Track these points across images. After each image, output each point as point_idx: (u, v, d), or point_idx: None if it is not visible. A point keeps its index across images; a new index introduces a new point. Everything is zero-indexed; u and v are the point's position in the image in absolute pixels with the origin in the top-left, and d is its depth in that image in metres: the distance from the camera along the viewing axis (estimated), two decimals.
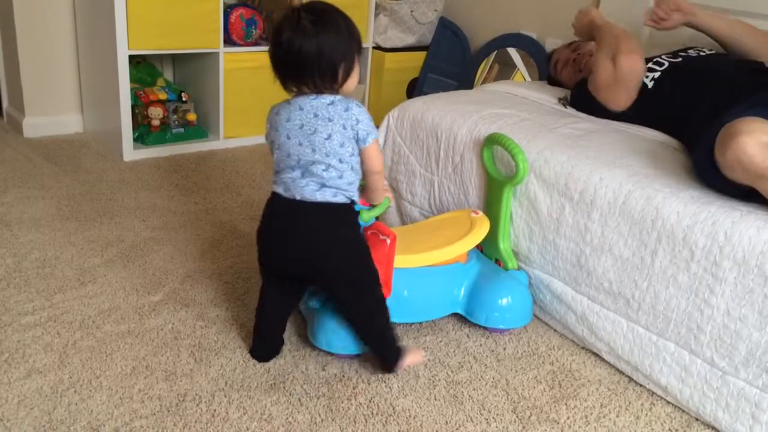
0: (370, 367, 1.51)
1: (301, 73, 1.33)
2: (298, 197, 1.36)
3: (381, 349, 1.47)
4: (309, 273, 1.43)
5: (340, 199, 1.38)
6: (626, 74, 1.81)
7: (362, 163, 1.42)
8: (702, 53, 1.93)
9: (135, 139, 2.73)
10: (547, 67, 2.39)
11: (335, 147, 1.35)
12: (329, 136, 1.34)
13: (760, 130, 1.29)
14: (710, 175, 1.42)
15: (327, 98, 1.35)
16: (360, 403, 1.40)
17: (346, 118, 1.35)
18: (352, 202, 1.41)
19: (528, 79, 2.95)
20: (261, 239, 1.45)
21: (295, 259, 1.40)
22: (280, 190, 1.40)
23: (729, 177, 1.35)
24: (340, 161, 1.36)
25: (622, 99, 1.87)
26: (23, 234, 1.98)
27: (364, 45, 3.24)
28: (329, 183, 1.36)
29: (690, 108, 1.73)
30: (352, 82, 1.38)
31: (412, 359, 1.49)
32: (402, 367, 1.47)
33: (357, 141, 1.37)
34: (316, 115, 1.34)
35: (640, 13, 2.41)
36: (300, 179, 1.36)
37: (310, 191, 1.36)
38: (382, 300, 1.44)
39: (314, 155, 1.35)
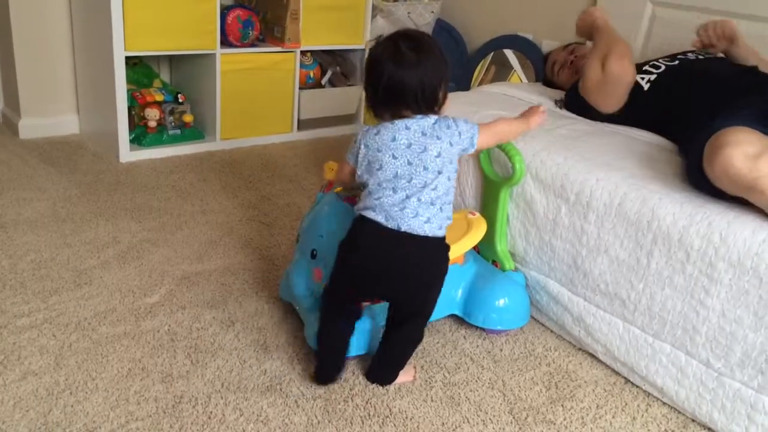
0: (364, 374, 1.50)
1: (403, 101, 1.35)
2: (403, 228, 1.32)
3: (396, 367, 1.47)
4: (394, 297, 1.42)
5: (442, 232, 1.37)
6: (614, 78, 1.82)
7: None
8: (699, 56, 1.93)
9: (131, 141, 2.73)
10: (543, 69, 2.40)
11: (446, 164, 1.36)
12: (439, 154, 1.35)
13: (746, 141, 1.29)
14: (702, 184, 1.41)
15: (431, 118, 1.37)
16: (357, 405, 1.40)
17: (450, 135, 1.37)
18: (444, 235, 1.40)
19: (524, 80, 2.96)
20: (354, 266, 1.39)
21: (388, 288, 1.39)
22: (379, 218, 1.33)
23: (719, 187, 1.35)
24: (449, 179, 1.37)
25: (609, 102, 1.88)
26: (19, 236, 1.98)
27: (360, 46, 3.25)
28: (436, 208, 1.35)
29: (684, 110, 1.73)
30: (448, 101, 1.41)
31: (404, 378, 1.49)
32: (396, 382, 1.48)
33: (465, 150, 1.41)
34: (424, 134, 1.35)
35: (637, 13, 2.42)
36: (407, 208, 1.33)
37: (418, 223, 1.33)
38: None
39: (426, 173, 1.34)
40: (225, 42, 2.81)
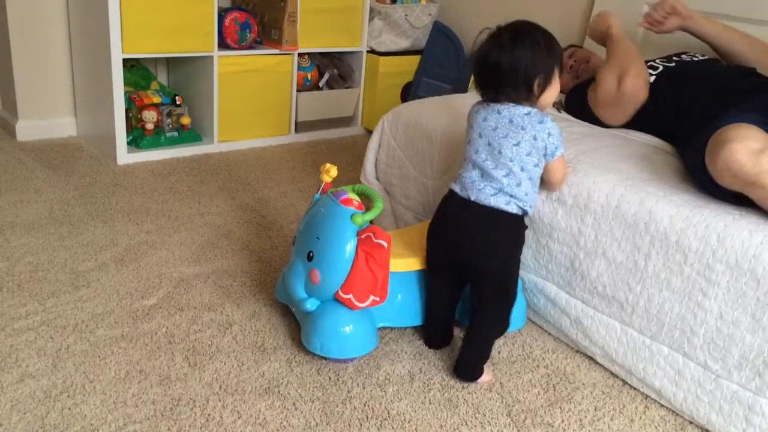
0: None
1: (499, 85, 1.43)
2: (472, 198, 1.43)
3: (480, 358, 1.51)
4: (470, 269, 1.49)
5: (512, 208, 1.43)
6: (628, 97, 1.81)
7: (544, 173, 1.50)
8: (695, 58, 1.94)
9: (129, 143, 2.72)
10: None
11: (521, 154, 1.42)
12: (518, 143, 1.42)
13: (749, 137, 1.30)
14: (703, 180, 1.43)
15: (525, 108, 1.43)
16: (355, 407, 1.40)
17: (539, 129, 1.42)
18: (524, 214, 1.47)
19: None
20: (434, 233, 1.53)
21: (462, 255, 1.47)
22: (456, 188, 1.48)
23: (720, 183, 1.35)
24: (522, 169, 1.43)
25: (618, 118, 1.88)
26: (16, 238, 1.97)
27: (358, 49, 3.25)
28: (506, 189, 1.42)
29: (683, 112, 1.74)
30: (549, 96, 1.47)
31: (487, 378, 1.52)
32: (478, 382, 1.51)
33: (545, 155, 1.45)
34: (511, 121, 1.43)
35: (633, 12, 2.42)
36: (479, 181, 1.44)
37: (485, 195, 1.42)
38: (510, 314, 1.53)
39: (500, 158, 1.42)
40: (222, 44, 2.81)
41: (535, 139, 1.42)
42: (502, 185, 1.42)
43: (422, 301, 1.64)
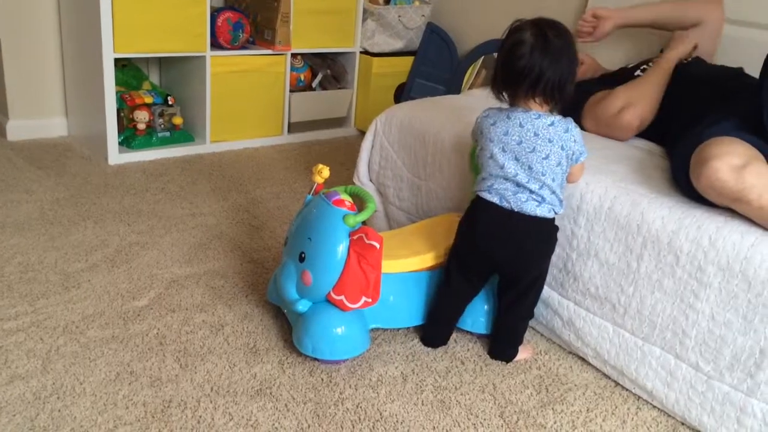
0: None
1: (537, 90, 1.40)
2: (516, 209, 1.43)
3: (515, 342, 1.59)
4: (513, 275, 1.52)
5: (551, 215, 1.46)
6: (619, 128, 1.81)
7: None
8: (684, 60, 1.94)
9: (120, 143, 2.71)
10: None
11: (552, 166, 1.42)
12: (547, 156, 1.41)
13: (730, 153, 1.30)
14: (691, 194, 1.42)
15: (547, 118, 1.41)
16: (347, 409, 1.39)
17: (566, 139, 1.41)
18: (555, 216, 1.48)
19: None
20: (471, 238, 1.51)
21: (503, 260, 1.49)
22: (495, 199, 1.45)
23: (707, 199, 1.36)
24: (553, 180, 1.43)
25: (600, 134, 1.87)
26: (6, 238, 1.96)
27: (351, 50, 3.25)
28: (547, 199, 1.43)
29: (672, 113, 1.74)
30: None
31: (523, 354, 1.61)
32: (517, 360, 1.60)
33: (570, 159, 1.45)
34: (536, 135, 1.40)
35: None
36: (519, 193, 1.43)
37: (530, 206, 1.42)
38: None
39: (531, 173, 1.42)
40: (215, 44, 2.80)
41: (562, 149, 1.42)
42: (541, 196, 1.43)
43: (416, 302, 1.63)
